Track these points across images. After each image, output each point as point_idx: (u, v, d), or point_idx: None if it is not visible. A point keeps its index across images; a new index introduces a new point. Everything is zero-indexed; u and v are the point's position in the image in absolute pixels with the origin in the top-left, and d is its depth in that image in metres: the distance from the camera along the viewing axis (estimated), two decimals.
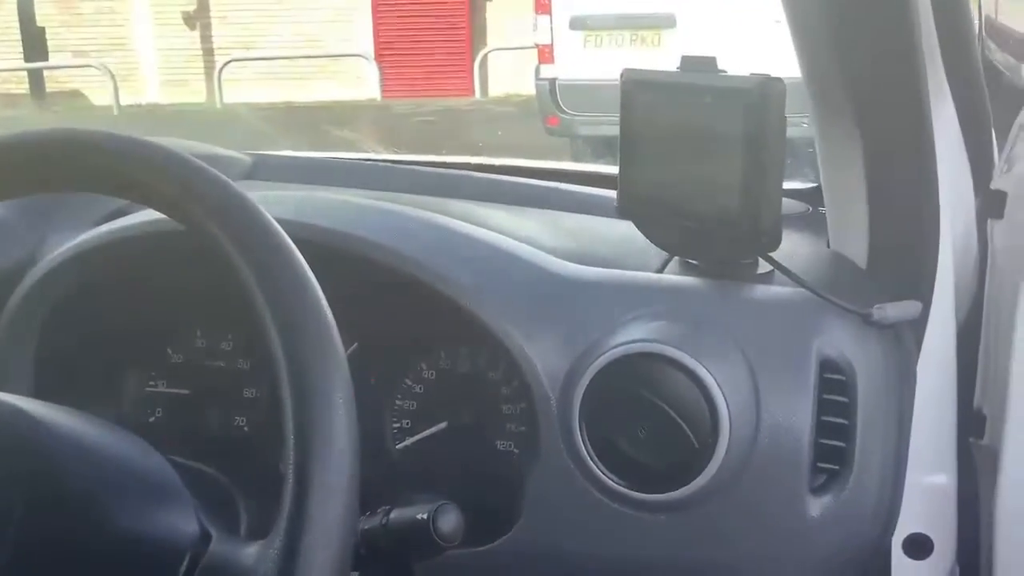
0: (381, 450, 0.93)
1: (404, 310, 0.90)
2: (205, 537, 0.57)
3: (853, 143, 0.82)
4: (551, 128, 5.51)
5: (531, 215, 1.01)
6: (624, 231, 0.94)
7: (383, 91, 9.16)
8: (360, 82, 9.66)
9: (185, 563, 0.54)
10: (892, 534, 0.81)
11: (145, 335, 1.00)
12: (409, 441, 0.93)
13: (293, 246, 0.57)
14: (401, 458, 0.94)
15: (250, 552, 0.54)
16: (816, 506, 0.77)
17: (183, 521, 0.57)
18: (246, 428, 0.99)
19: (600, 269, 0.85)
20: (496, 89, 9.23)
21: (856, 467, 0.77)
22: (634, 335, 0.77)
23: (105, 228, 0.91)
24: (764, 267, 0.84)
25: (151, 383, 1.01)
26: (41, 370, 0.92)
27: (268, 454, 0.95)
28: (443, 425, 0.92)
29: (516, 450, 0.90)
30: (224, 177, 0.59)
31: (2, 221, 0.96)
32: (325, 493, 0.52)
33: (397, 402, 0.94)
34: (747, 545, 0.78)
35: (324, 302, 0.56)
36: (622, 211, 0.85)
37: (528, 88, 6.13)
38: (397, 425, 0.94)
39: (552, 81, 5.44)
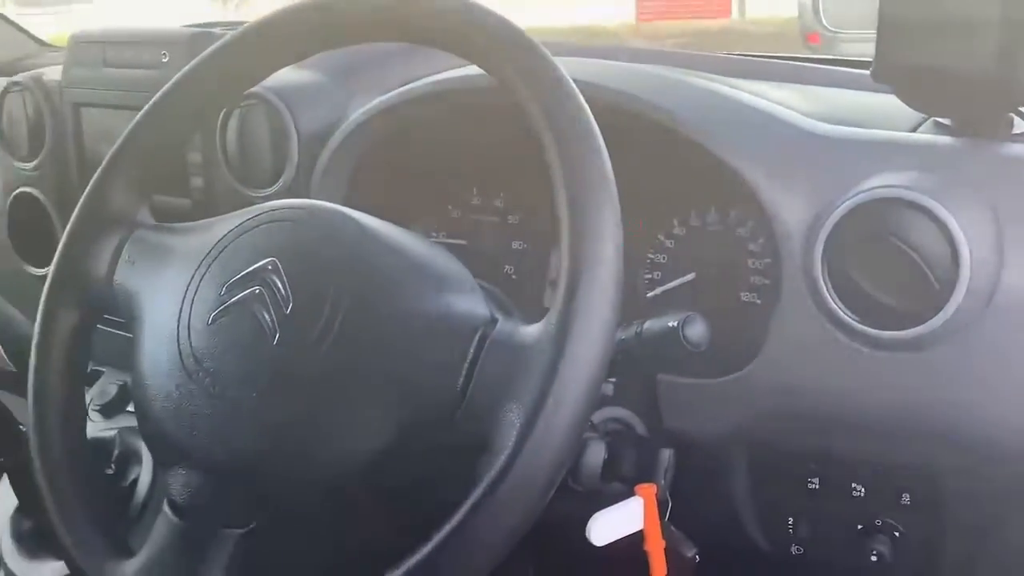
0: (633, 298, 1.02)
1: (662, 167, 0.97)
2: (493, 320, 0.67)
3: None
4: (812, 46, 5.29)
5: (788, 87, 1.05)
6: (878, 100, 0.96)
7: (639, 14, 9.09)
8: (616, 4, 9.63)
9: (477, 336, 0.65)
10: None
11: (431, 191, 1.14)
12: (659, 290, 1.02)
13: (583, 100, 0.65)
14: (650, 306, 1.02)
15: (530, 331, 0.64)
16: None
17: (476, 305, 0.68)
18: (514, 276, 1.11)
19: (852, 128, 0.89)
20: (755, 9, 8.94)
21: None
22: (880, 183, 0.81)
23: (402, 88, 1.04)
24: (1021, 127, 0.85)
25: (433, 234, 1.15)
26: None
27: (535, 296, 1.06)
28: (691, 276, 1.00)
29: (759, 301, 0.96)
30: (533, 39, 0.67)
31: (317, 85, 1.11)
32: (594, 287, 0.60)
33: (649, 256, 1.03)
34: (982, 386, 0.80)
35: (607, 155, 0.63)
36: (877, 74, 0.87)
37: (788, 9, 5.91)
38: (649, 277, 1.03)
39: None
